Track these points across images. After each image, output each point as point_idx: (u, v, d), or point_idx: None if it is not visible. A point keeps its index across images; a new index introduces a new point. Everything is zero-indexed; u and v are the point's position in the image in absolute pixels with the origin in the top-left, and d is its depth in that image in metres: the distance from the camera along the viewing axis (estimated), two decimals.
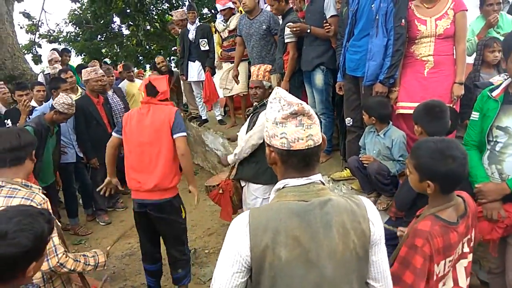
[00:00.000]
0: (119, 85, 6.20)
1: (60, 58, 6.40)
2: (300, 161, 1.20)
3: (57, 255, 2.03)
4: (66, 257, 2.07)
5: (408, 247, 1.48)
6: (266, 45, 4.54)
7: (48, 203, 2.04)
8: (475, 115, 2.28)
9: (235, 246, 1.15)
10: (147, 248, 3.24)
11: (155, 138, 2.88)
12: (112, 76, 6.11)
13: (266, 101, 3.31)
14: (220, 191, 3.50)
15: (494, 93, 2.15)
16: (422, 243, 1.45)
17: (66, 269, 2.09)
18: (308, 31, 3.74)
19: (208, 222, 4.81)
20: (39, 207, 1.95)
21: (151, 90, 2.96)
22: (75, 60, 15.72)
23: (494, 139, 2.14)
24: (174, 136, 2.87)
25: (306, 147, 1.18)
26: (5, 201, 1.87)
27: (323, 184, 1.25)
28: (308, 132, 1.18)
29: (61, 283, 2.18)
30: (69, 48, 12.88)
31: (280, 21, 4.27)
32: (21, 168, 2.02)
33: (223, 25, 5.47)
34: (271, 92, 3.55)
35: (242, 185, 3.52)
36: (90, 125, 4.76)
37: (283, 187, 1.23)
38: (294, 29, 3.74)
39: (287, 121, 1.17)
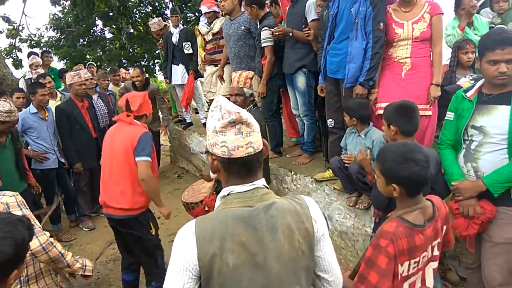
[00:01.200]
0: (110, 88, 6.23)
1: (41, 62, 6.33)
2: (242, 168, 1.22)
3: (44, 233, 2.11)
4: (54, 239, 2.13)
5: (373, 248, 1.52)
6: (244, 46, 4.56)
7: (20, 196, 2.10)
8: (450, 115, 2.35)
9: (182, 256, 1.16)
10: (124, 257, 3.25)
11: (121, 158, 2.85)
12: (108, 80, 6.10)
13: (247, 109, 3.35)
14: (206, 208, 3.47)
15: (469, 94, 2.23)
16: (386, 243, 1.49)
17: (57, 251, 2.15)
18: (290, 34, 3.79)
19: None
20: (12, 198, 2.03)
21: (127, 107, 2.95)
22: (58, 65, 15.53)
23: (470, 138, 2.21)
24: (136, 159, 2.81)
25: (246, 155, 1.20)
26: None
27: (267, 188, 1.28)
28: (248, 140, 1.20)
29: (53, 282, 2.23)
30: (52, 52, 12.74)
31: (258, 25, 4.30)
32: None
33: (207, 28, 5.47)
34: (252, 100, 3.55)
35: None
36: (74, 130, 4.72)
37: (228, 194, 1.25)
38: (277, 32, 3.78)
39: (227, 129, 1.19)
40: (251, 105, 3.48)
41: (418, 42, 2.94)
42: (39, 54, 7.01)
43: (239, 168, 1.22)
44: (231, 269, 1.14)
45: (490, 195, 2.10)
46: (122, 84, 6.51)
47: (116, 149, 2.88)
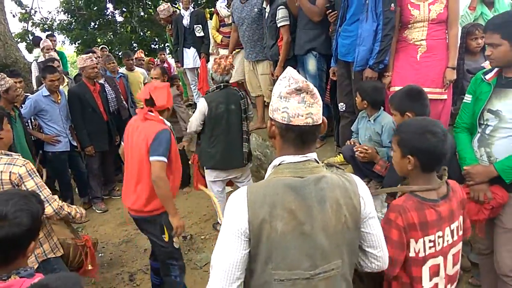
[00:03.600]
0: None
1: (52, 46, 6.35)
2: (297, 137, 1.24)
3: (55, 199, 2.39)
4: (61, 201, 2.44)
5: (384, 222, 1.53)
6: (258, 29, 4.48)
7: (30, 164, 2.26)
8: (468, 98, 2.30)
9: (234, 220, 1.20)
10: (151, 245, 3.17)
11: (136, 157, 2.68)
12: (113, 62, 6.07)
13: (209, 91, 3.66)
14: (190, 162, 3.89)
15: (488, 76, 2.17)
16: (395, 216, 1.52)
17: (65, 212, 2.45)
18: None
19: (204, 209, 4.85)
20: (22, 167, 2.18)
21: (149, 101, 2.74)
22: (69, 48, 15.58)
23: (485, 122, 2.16)
24: (150, 159, 2.58)
25: (305, 124, 1.22)
26: None
27: (318, 162, 1.30)
28: (309, 110, 1.22)
29: (43, 235, 2.42)
30: (64, 36, 12.76)
31: (267, 8, 4.19)
32: None
33: (227, 11, 5.33)
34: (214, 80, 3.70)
35: None
36: (86, 113, 4.76)
37: (279, 164, 1.28)
38: None
39: (291, 96, 1.22)
40: (214, 87, 3.63)
41: (434, 24, 2.86)
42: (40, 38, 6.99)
43: (295, 137, 1.24)
44: (279, 235, 1.18)
45: (503, 181, 2.06)
46: (136, 68, 6.46)
47: (135, 146, 2.70)
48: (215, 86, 3.63)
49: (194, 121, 3.60)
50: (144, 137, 2.60)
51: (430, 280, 1.57)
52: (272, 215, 1.18)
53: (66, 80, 5.45)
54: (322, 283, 1.23)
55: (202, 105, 3.54)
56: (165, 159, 2.58)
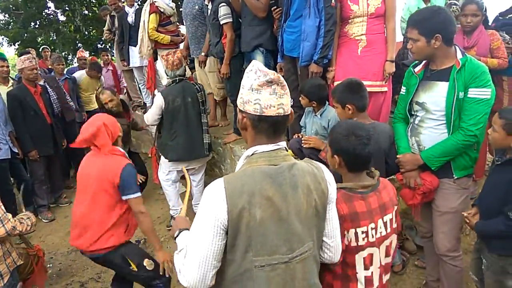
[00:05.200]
0: (75, 75, 5.90)
1: None
2: (270, 127, 1.29)
3: (9, 219, 2.43)
4: (15, 221, 2.49)
5: None
6: (200, 26, 4.44)
7: None
8: (403, 90, 2.41)
9: (212, 211, 1.21)
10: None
11: (96, 193, 2.48)
12: (63, 64, 5.78)
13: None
14: (149, 156, 3.99)
15: (416, 69, 2.27)
16: None
17: (18, 231, 2.50)
18: None
19: (159, 211, 4.75)
20: None
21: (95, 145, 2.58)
22: (9, 50, 14.68)
23: (415, 113, 2.29)
24: (124, 198, 2.48)
25: (277, 115, 1.26)
26: None
27: (287, 150, 1.36)
28: (280, 101, 1.26)
29: (9, 244, 2.56)
30: (1, 37, 11.97)
31: (209, 5, 4.13)
32: None
33: (173, 9, 5.18)
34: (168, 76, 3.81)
35: None
36: (28, 116, 4.51)
37: (252, 154, 1.32)
38: None
39: (262, 88, 1.26)
40: (170, 81, 3.76)
41: (373, 19, 2.96)
42: None
43: (267, 127, 1.28)
44: (258, 222, 1.21)
45: None
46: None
47: (93, 182, 2.48)
48: (171, 81, 3.74)
49: (151, 115, 3.74)
50: (108, 175, 2.44)
51: (367, 268, 1.60)
52: (251, 203, 1.20)
53: (11, 81, 5.11)
54: (298, 265, 1.28)
55: (159, 100, 3.65)
56: (139, 194, 2.53)
